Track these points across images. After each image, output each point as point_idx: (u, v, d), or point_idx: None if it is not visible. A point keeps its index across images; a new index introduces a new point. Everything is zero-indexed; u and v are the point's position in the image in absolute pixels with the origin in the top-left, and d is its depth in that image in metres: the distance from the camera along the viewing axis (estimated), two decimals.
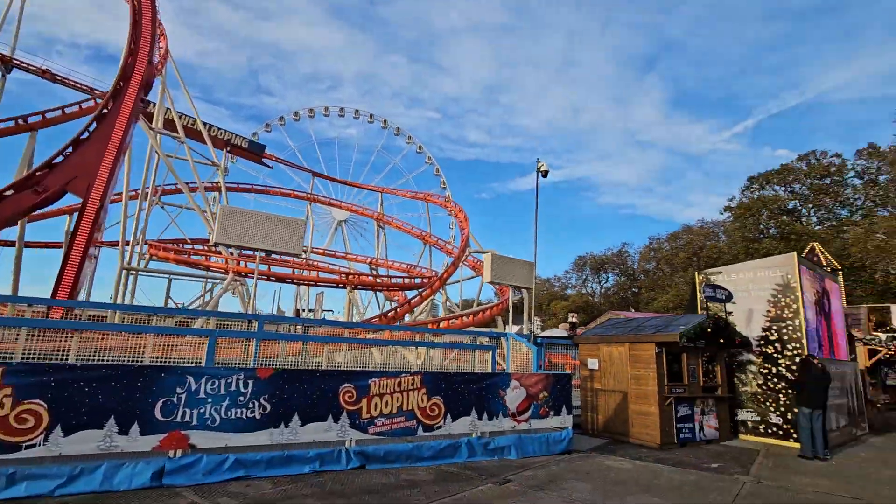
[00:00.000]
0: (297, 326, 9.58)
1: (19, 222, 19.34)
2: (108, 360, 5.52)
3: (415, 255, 40.82)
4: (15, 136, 23.74)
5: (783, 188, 54.68)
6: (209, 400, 5.17)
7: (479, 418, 6.95)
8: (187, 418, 5.04)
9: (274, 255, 18.21)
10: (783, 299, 9.85)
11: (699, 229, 59.97)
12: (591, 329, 11.98)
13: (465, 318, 22.18)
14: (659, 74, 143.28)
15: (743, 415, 10.02)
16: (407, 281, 28.25)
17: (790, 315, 9.69)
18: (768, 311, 10.00)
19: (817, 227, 49.89)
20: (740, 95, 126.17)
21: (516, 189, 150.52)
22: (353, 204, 44.22)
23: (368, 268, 38.00)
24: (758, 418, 9.80)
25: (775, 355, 9.74)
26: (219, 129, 32.30)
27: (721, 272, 10.91)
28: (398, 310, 23.23)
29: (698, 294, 10.61)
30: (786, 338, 9.68)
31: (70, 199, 18.22)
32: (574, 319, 27.19)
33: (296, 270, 22.34)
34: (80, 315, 11.81)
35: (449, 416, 6.71)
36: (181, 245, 26.53)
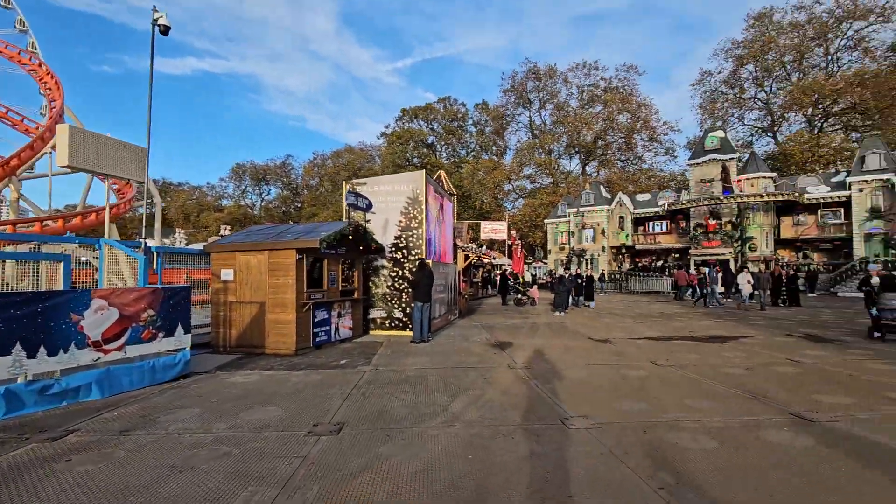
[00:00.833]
0: None
1: None
2: None
3: None
4: None
5: (426, 124, 65.56)
6: None
7: (32, 356, 4.79)
8: None
9: None
10: (412, 211, 11.38)
11: (360, 151, 65.61)
12: (226, 237, 10.69)
13: (51, 223, 16.27)
14: None
15: (374, 313, 11.36)
16: None
17: (416, 225, 11.33)
18: (400, 222, 11.38)
19: (446, 161, 63.18)
20: (403, 33, 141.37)
21: (164, 71, 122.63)
22: None
23: None
24: (385, 315, 11.31)
25: (402, 260, 11.30)
26: None
27: (366, 183, 11.61)
28: None
29: (344, 203, 10.97)
30: (411, 245, 11.31)
31: None
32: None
33: None
34: None
35: None
36: None
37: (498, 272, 31.47)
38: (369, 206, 10.20)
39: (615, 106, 57.71)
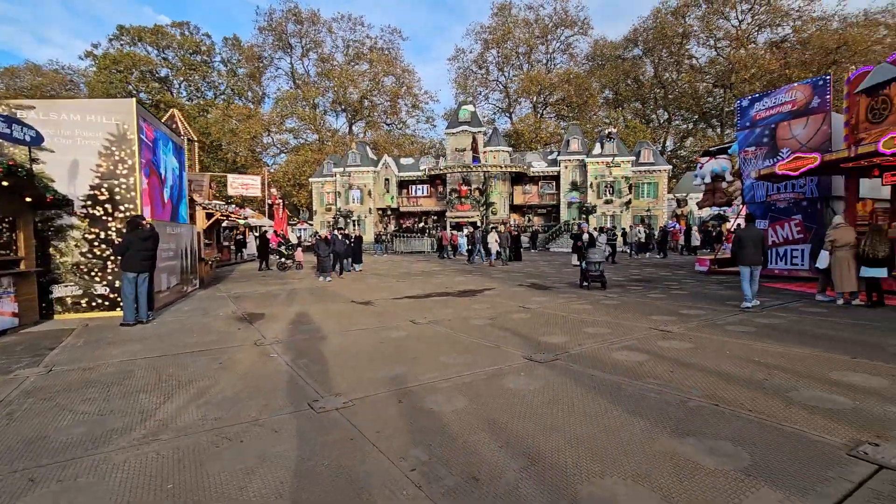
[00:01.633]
0: None
1: None
2: None
3: None
4: None
5: (157, 52, 53.51)
6: None
7: None
8: None
9: None
10: (118, 153, 8.63)
11: (53, 74, 49.07)
12: None
13: None
14: None
15: (61, 291, 8.36)
16: None
17: (125, 172, 8.66)
18: (99, 166, 8.51)
19: (187, 103, 53.06)
20: None
21: None
22: None
23: None
24: (80, 292, 8.46)
25: (105, 218, 8.54)
26: None
27: (35, 107, 8.17)
28: None
29: None
30: (119, 198, 8.63)
31: None
32: None
33: None
34: None
35: None
36: None
37: (257, 234, 28.51)
38: (37, 138, 7.13)
39: (381, 67, 58.65)
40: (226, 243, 26.24)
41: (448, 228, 37.26)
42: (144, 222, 7.98)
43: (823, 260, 8.84)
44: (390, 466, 2.84)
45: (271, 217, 31.66)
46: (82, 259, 8.43)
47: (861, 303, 8.38)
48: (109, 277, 8.56)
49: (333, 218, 41.79)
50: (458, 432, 3.31)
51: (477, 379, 4.52)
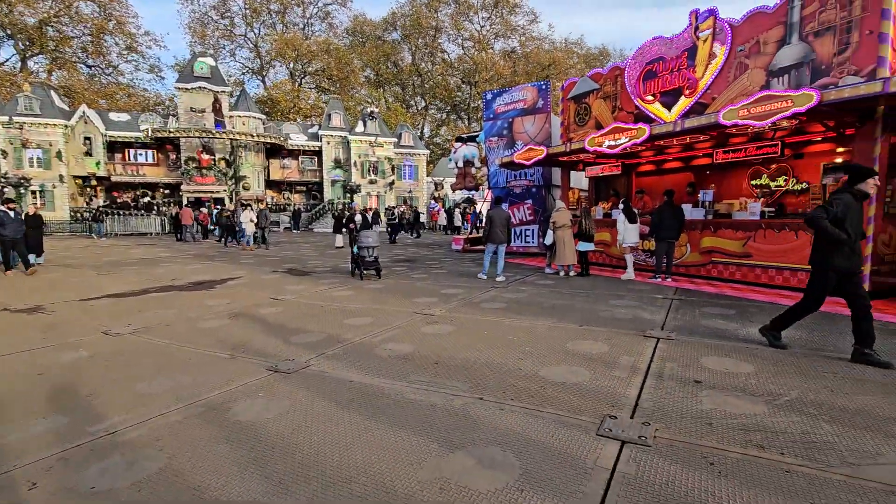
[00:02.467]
0: None
1: None
2: None
3: None
4: None
5: None
6: None
7: None
8: None
9: None
10: None
11: None
12: None
13: None
14: None
15: None
16: None
17: None
18: None
19: None
20: None
21: None
22: None
23: None
24: None
25: None
26: None
27: None
28: None
29: None
30: None
31: None
32: None
33: None
34: None
35: None
36: None
37: None
38: None
39: None
40: None
41: (186, 204, 31.61)
42: None
43: (549, 237, 10.47)
44: None
45: None
46: None
47: (576, 273, 10.25)
48: None
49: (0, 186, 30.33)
50: None
51: (192, 414, 3.31)
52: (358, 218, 15.07)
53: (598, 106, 12.61)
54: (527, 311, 6.60)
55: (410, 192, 45.31)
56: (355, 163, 41.10)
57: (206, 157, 34.68)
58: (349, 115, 46.72)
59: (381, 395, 3.61)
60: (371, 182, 41.48)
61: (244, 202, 23.70)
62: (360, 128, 41.42)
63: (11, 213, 10.91)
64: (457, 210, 31.66)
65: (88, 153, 35.33)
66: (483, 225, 10.27)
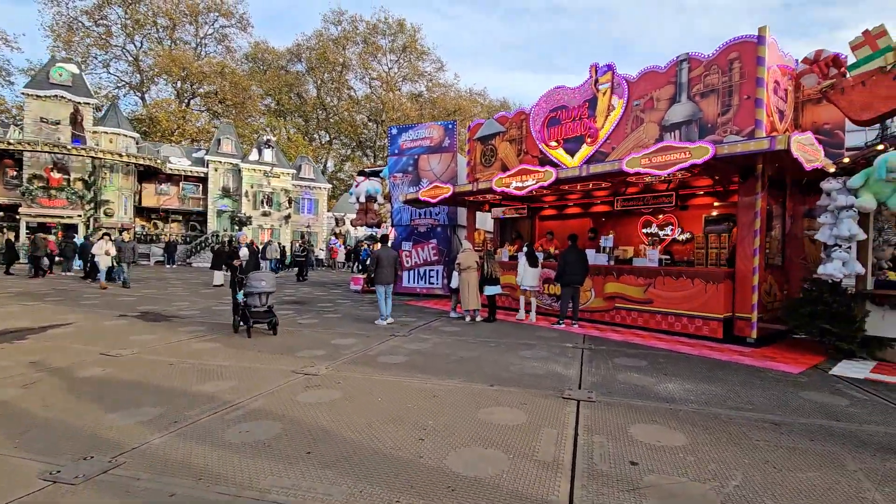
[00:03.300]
0: None
1: None
2: None
3: None
4: None
5: None
6: None
7: None
8: None
9: None
10: None
11: None
12: None
13: None
14: None
15: None
16: None
17: None
18: None
19: None
20: None
21: None
22: None
23: None
24: None
25: None
26: None
27: None
28: None
29: None
30: None
31: None
32: None
33: None
34: None
35: None
36: None
37: None
38: None
39: None
40: None
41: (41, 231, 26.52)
42: None
43: (455, 280, 9.85)
44: None
45: None
46: None
47: (482, 318, 9.67)
48: None
49: None
50: None
51: None
52: (244, 252, 12.85)
53: (505, 148, 12.63)
54: (430, 368, 5.74)
55: (309, 226, 43.04)
56: (247, 193, 38.17)
57: (57, 175, 29.78)
58: (245, 143, 43.86)
59: None
60: (264, 214, 38.69)
61: (105, 230, 20.32)
62: (254, 156, 38.80)
63: None
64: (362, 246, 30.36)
65: None
66: (370, 265, 9.39)
